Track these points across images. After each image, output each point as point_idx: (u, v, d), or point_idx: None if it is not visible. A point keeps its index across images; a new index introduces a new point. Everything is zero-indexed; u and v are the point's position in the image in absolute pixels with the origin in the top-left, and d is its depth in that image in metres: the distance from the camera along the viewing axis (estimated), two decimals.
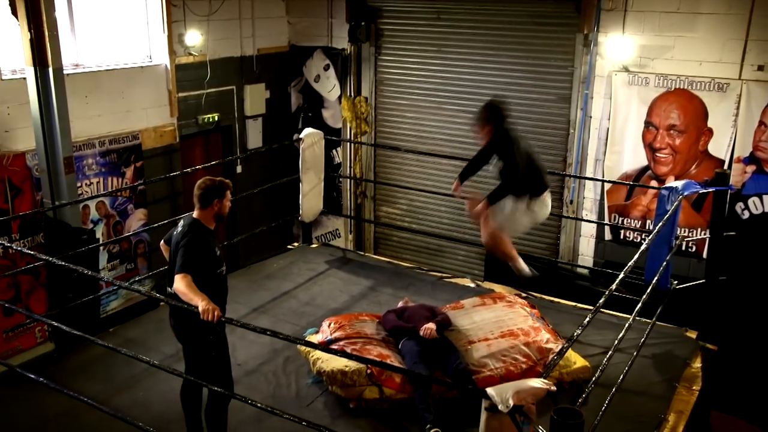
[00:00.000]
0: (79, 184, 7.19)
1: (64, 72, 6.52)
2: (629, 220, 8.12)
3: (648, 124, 7.80)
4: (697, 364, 5.53)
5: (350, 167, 10.11)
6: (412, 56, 9.39)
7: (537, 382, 3.16)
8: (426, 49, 9.25)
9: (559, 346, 5.21)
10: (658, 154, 7.82)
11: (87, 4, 7.58)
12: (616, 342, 4.54)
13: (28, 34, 6.20)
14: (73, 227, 6.66)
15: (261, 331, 4.00)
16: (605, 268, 7.59)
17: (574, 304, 6.60)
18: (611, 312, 6.15)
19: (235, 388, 4.56)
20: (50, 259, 4.82)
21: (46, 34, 6.21)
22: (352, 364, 4.83)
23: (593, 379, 4.01)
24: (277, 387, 5.19)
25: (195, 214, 4.40)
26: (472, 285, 7.02)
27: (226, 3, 8.93)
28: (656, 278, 5.46)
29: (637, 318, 4.94)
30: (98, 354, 5.43)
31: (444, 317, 5.37)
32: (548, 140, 8.63)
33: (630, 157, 7.97)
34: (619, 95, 7.88)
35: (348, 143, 9.93)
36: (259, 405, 3.92)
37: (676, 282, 6.07)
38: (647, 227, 7.80)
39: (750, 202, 7.42)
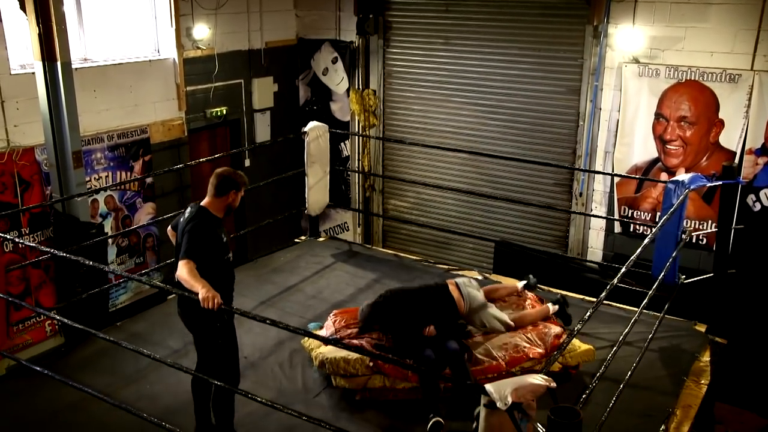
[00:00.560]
0: (87, 179, 7.22)
1: (73, 66, 6.55)
2: (639, 213, 8.06)
3: (658, 115, 7.72)
4: (706, 357, 5.49)
5: (358, 160, 10.10)
6: (420, 49, 9.35)
7: (536, 379, 3.12)
8: (434, 41, 9.20)
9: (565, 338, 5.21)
10: (668, 146, 7.75)
11: None
12: (624, 336, 4.50)
13: (37, 28, 6.22)
14: (81, 221, 6.69)
15: (261, 320, 3.97)
16: (615, 261, 7.54)
17: (582, 297, 6.55)
18: (620, 305, 6.11)
19: (241, 380, 4.58)
20: (58, 252, 4.84)
21: (55, 28, 6.23)
22: (355, 353, 4.82)
23: (599, 373, 3.98)
24: (284, 379, 5.20)
25: (204, 201, 4.38)
26: (480, 278, 6.99)
27: None
28: (663, 272, 5.41)
29: (646, 311, 4.90)
30: (106, 347, 5.46)
31: None
32: (558, 132, 8.58)
33: (640, 149, 7.90)
34: (629, 87, 7.81)
35: (356, 136, 9.92)
36: (260, 400, 3.92)
37: (684, 276, 6.01)
38: (657, 220, 7.74)
39: (762, 194, 7.34)
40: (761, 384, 7.41)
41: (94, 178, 7.56)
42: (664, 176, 7.63)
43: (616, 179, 8.10)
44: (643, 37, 7.65)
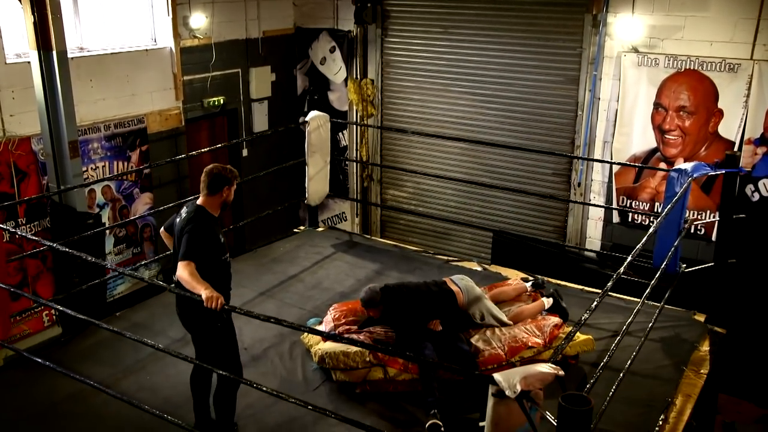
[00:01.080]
0: (84, 169, 7.18)
1: (69, 55, 6.49)
2: (638, 203, 8.05)
3: (657, 105, 7.71)
4: (705, 347, 5.50)
5: (356, 150, 10.06)
6: (418, 38, 9.30)
7: (545, 367, 3.12)
8: (433, 30, 9.15)
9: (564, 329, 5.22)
10: (667, 136, 7.73)
11: None
12: (626, 326, 4.50)
13: (32, 17, 6.16)
14: (78, 211, 6.66)
15: (265, 318, 3.97)
16: (613, 251, 7.54)
17: (581, 287, 6.56)
18: (619, 295, 6.11)
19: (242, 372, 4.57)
20: (54, 245, 4.80)
21: (50, 17, 6.17)
22: (354, 347, 4.81)
23: (602, 363, 3.98)
24: (284, 371, 5.19)
25: (200, 200, 4.36)
26: (479, 268, 6.98)
27: None
28: (665, 262, 5.41)
29: (646, 301, 4.90)
30: (105, 338, 5.45)
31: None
32: (556, 122, 8.55)
33: (639, 138, 7.88)
34: (628, 76, 7.78)
35: (354, 126, 9.87)
36: (265, 389, 3.91)
37: (684, 265, 6.01)
38: (656, 210, 7.74)
39: (760, 184, 7.34)
40: (759, 374, 7.44)
41: (91, 168, 7.52)
42: (662, 166, 7.62)
43: (615, 169, 8.08)
44: (643, 26, 7.61)
